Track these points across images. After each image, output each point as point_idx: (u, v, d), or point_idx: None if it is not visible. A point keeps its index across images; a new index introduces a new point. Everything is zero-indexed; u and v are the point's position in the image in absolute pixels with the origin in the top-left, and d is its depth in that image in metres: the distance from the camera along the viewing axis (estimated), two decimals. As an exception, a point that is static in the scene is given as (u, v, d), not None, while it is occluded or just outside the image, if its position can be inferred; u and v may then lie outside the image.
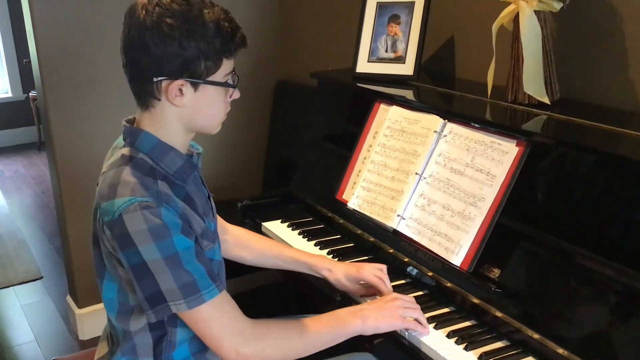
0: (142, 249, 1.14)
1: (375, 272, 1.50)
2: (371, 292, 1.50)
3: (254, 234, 1.66)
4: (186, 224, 1.21)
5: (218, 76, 1.22)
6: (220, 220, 1.55)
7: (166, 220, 1.16)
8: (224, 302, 1.23)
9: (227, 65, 1.23)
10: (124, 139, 1.27)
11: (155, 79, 1.18)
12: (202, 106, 1.23)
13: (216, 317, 1.21)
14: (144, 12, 1.16)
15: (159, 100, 1.21)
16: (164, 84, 1.19)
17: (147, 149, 1.23)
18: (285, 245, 1.62)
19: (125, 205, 1.15)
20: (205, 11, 1.17)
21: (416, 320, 1.37)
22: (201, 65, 1.18)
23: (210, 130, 1.29)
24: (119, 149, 1.27)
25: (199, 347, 1.32)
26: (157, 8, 1.15)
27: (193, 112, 1.23)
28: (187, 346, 1.31)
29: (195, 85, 1.20)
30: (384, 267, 1.52)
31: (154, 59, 1.16)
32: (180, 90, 1.19)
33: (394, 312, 1.35)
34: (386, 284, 1.48)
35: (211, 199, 1.41)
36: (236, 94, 1.29)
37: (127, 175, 1.19)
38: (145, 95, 1.22)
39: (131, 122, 1.29)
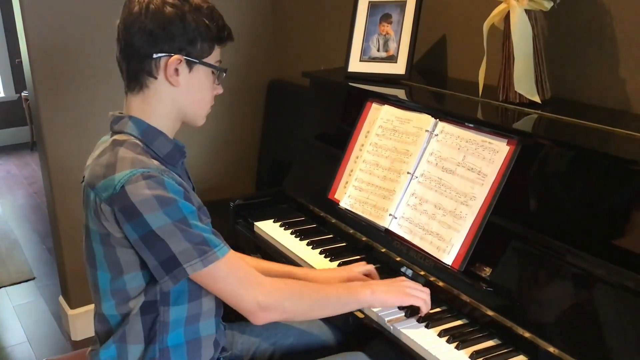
0: (149, 217, 1.17)
1: (366, 268, 1.53)
2: None
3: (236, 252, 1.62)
4: (186, 192, 1.24)
5: (210, 61, 1.31)
6: None
7: (169, 188, 1.20)
8: (238, 260, 1.28)
9: (217, 53, 1.32)
10: (112, 128, 1.31)
11: (155, 55, 1.25)
12: (194, 88, 1.30)
13: (232, 272, 1.25)
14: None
15: (156, 78, 1.27)
16: (163, 60, 1.26)
17: (138, 133, 1.28)
18: (265, 261, 1.60)
19: (127, 176, 1.18)
20: (201, 1, 1.29)
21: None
22: (198, 46, 1.28)
23: (196, 119, 1.36)
24: (105, 142, 1.30)
25: (193, 335, 1.32)
26: None
27: (186, 94, 1.30)
28: (182, 332, 1.30)
29: (190, 66, 1.28)
30: (371, 266, 1.55)
31: (156, 37, 1.24)
32: (177, 69, 1.27)
33: (401, 288, 1.40)
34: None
35: (195, 192, 1.41)
36: (219, 89, 1.36)
37: (124, 153, 1.23)
38: (142, 74, 1.27)
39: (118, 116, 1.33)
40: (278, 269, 1.55)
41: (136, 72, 1.28)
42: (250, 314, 1.27)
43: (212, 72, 1.33)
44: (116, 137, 1.28)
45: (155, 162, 1.24)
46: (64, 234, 2.63)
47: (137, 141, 1.27)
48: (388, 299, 1.39)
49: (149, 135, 1.28)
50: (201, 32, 1.27)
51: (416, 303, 1.39)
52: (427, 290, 1.42)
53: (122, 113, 1.32)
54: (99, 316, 1.33)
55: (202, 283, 1.25)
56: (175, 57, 1.25)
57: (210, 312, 1.33)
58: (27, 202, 4.56)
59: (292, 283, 1.35)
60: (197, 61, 1.28)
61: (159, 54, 1.25)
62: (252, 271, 1.29)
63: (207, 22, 1.27)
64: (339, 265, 1.66)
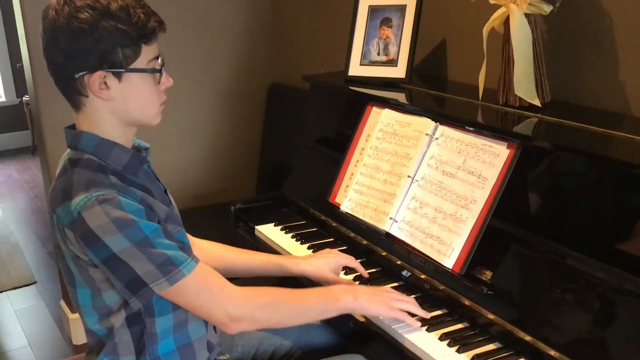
0: (108, 242, 1.14)
1: (351, 257, 1.57)
2: (346, 282, 1.54)
3: (223, 245, 1.60)
4: (148, 208, 1.21)
5: (140, 63, 1.21)
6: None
7: (127, 208, 1.16)
8: (206, 273, 1.24)
9: (148, 51, 1.22)
10: (67, 144, 1.27)
11: (76, 75, 1.19)
12: (130, 96, 1.22)
13: (202, 287, 1.22)
14: (54, 12, 1.18)
15: (87, 96, 1.21)
16: (86, 78, 1.18)
17: (92, 149, 1.23)
18: (254, 251, 1.60)
19: (82, 202, 1.15)
20: (112, 1, 1.17)
21: (408, 312, 1.39)
22: (119, 55, 1.18)
23: (148, 121, 1.27)
24: (64, 159, 1.27)
25: (184, 341, 1.31)
26: (65, 7, 1.16)
27: (123, 104, 1.23)
28: (172, 340, 1.29)
29: (118, 76, 1.19)
30: (352, 258, 1.59)
31: (70, 56, 1.17)
32: (105, 83, 1.19)
33: (385, 299, 1.37)
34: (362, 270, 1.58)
35: (168, 192, 1.38)
36: (167, 81, 1.26)
37: (78, 175, 1.19)
38: (73, 94, 1.22)
39: (72, 128, 1.28)
40: (235, 257, 1.55)
41: (67, 93, 1.22)
42: (222, 325, 1.25)
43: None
44: (71, 154, 1.24)
45: (112, 179, 1.19)
46: (65, 238, 2.62)
47: (93, 157, 1.21)
48: (370, 307, 1.36)
49: (102, 150, 1.22)
50: (118, 40, 1.16)
51: (398, 317, 1.37)
52: (412, 300, 1.41)
53: (74, 126, 1.28)
54: (86, 330, 1.32)
55: (171, 299, 1.23)
56: (96, 73, 1.17)
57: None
58: (28, 206, 4.57)
59: (267, 293, 1.31)
60: (124, 70, 1.18)
61: (80, 73, 1.17)
62: (222, 283, 1.25)
63: (121, 26, 1.15)
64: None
